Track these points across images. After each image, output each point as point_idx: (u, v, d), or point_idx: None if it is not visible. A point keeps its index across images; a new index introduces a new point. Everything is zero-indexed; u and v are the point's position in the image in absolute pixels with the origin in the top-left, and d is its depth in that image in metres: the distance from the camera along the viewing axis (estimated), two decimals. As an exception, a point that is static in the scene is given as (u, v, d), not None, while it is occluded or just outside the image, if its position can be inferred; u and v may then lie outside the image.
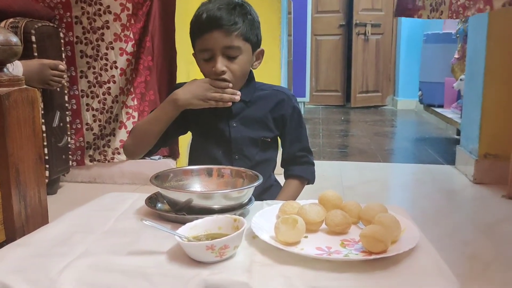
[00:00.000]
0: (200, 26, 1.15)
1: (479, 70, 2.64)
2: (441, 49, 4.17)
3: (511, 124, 2.36)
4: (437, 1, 2.44)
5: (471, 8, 2.16)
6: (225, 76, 1.15)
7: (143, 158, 1.28)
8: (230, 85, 1.16)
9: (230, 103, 1.16)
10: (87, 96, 2.58)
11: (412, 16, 2.77)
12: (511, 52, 2.49)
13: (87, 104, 2.58)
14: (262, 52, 1.27)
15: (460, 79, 3.51)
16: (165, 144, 1.28)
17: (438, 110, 4.04)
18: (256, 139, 1.24)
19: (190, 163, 1.32)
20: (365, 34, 6.02)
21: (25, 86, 1.01)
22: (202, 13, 1.15)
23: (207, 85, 1.15)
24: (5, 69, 1.00)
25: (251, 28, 1.18)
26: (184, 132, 1.32)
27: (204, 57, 1.18)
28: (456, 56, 3.76)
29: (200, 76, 1.31)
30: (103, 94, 2.56)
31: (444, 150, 3.59)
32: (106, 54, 2.51)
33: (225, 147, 1.24)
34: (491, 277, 1.56)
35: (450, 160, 3.13)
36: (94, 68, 2.54)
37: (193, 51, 1.24)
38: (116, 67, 2.51)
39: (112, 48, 2.49)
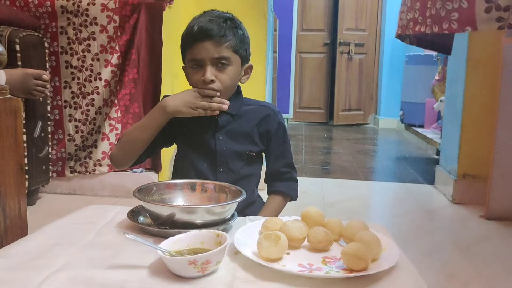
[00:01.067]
0: (192, 37, 1.17)
1: (458, 92, 2.70)
2: (422, 70, 4.25)
3: (489, 145, 2.40)
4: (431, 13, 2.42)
5: (432, 25, 2.12)
6: (214, 86, 1.17)
7: (130, 168, 1.27)
8: (218, 94, 1.17)
9: (218, 112, 1.17)
10: (70, 107, 2.55)
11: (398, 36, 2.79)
12: (490, 75, 2.55)
13: (70, 115, 2.56)
14: (251, 67, 1.29)
15: (440, 100, 3.58)
16: (152, 153, 1.28)
17: (419, 130, 4.10)
18: (242, 153, 1.26)
19: (174, 175, 1.32)
20: (348, 53, 6.10)
21: (9, 95, 1.01)
22: (193, 25, 1.18)
23: (196, 93, 1.17)
24: (-11, 78, 0.99)
25: (240, 42, 1.21)
26: (170, 144, 1.32)
27: (193, 67, 1.19)
28: (437, 77, 3.84)
29: (184, 89, 1.32)
30: (86, 105, 2.54)
31: (424, 169, 3.64)
32: (91, 65, 2.50)
33: (210, 159, 1.25)
34: (468, 296, 1.58)
35: (430, 179, 3.17)
36: (78, 79, 2.52)
37: (182, 64, 1.26)
38: (100, 79, 2.50)
39: (98, 60, 2.49)
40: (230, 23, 1.19)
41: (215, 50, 1.16)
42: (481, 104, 2.62)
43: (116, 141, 2.49)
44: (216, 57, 1.17)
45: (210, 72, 1.16)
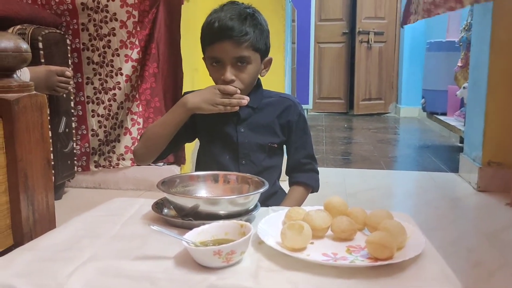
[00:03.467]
0: (211, 35, 1.17)
1: (482, 78, 2.65)
2: (444, 57, 4.18)
3: (514, 132, 2.36)
4: (418, 4, 2.46)
5: (441, 6, 2.16)
6: (234, 85, 1.17)
7: (153, 163, 1.29)
8: (238, 91, 1.18)
9: (237, 108, 1.17)
10: (93, 103, 2.59)
11: (405, 23, 2.80)
12: (515, 60, 2.49)
13: (93, 110, 2.60)
14: (270, 60, 1.29)
15: (463, 87, 3.52)
16: (175, 149, 1.30)
17: (441, 117, 4.03)
18: (264, 145, 1.26)
19: (197, 168, 1.34)
20: (368, 42, 6.03)
21: (34, 92, 1.03)
22: (214, 21, 1.16)
23: (216, 90, 1.17)
24: (15, 75, 1.01)
25: (260, 38, 1.21)
26: (193, 139, 1.34)
27: (213, 64, 1.20)
28: (459, 64, 3.76)
29: (206, 82, 1.33)
30: (109, 100, 2.57)
31: (447, 157, 3.59)
32: (111, 60, 2.52)
33: (232, 152, 1.26)
34: (496, 284, 1.56)
35: (454, 167, 3.12)
36: (100, 74, 2.55)
37: (202, 57, 1.26)
38: (122, 74, 2.53)
39: (118, 55, 2.51)
40: (250, 19, 1.18)
41: (234, 50, 1.16)
42: (505, 90, 2.57)
43: (139, 136, 2.53)
44: (236, 57, 1.17)
45: (229, 73, 1.17)
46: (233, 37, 1.15)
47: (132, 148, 2.57)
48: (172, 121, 1.20)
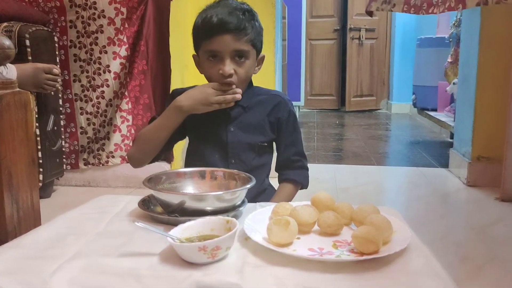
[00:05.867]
0: (210, 29, 1.16)
1: (471, 74, 2.66)
2: (434, 53, 4.19)
3: (503, 126, 2.37)
4: None
5: (440, 6, 2.13)
6: (231, 79, 1.17)
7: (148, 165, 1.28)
8: (234, 86, 1.17)
9: (233, 103, 1.17)
10: (81, 100, 2.57)
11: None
12: (503, 56, 2.50)
13: (81, 108, 2.58)
14: (263, 58, 1.29)
15: (453, 83, 3.53)
16: (169, 149, 1.30)
17: (432, 113, 4.05)
18: (253, 144, 1.26)
19: (186, 166, 1.33)
20: (359, 38, 6.04)
21: (17, 89, 1.01)
22: (211, 16, 1.15)
23: (209, 89, 1.16)
24: (-2, 72, 1.00)
25: (257, 34, 1.21)
26: (184, 137, 1.33)
27: (210, 59, 1.18)
28: (449, 60, 3.78)
29: (196, 79, 1.32)
30: (97, 97, 2.55)
31: (437, 153, 3.61)
32: (99, 58, 2.50)
33: (222, 151, 1.25)
34: (485, 279, 1.57)
35: (444, 163, 3.14)
36: (87, 72, 2.53)
37: (192, 54, 1.25)
38: (110, 71, 2.51)
39: (106, 52, 2.49)
40: (248, 15, 1.19)
41: (234, 43, 1.15)
42: (494, 85, 2.58)
43: (128, 133, 2.52)
44: (235, 50, 1.16)
45: (229, 66, 1.16)
46: (234, 30, 1.14)
47: (121, 145, 2.56)
48: (167, 125, 1.19)
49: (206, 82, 1.26)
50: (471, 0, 1.88)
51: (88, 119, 2.59)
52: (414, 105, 4.52)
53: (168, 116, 1.19)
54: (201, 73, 1.24)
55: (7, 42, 0.97)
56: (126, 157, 1.32)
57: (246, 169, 1.21)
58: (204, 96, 1.15)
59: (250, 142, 1.25)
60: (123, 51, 2.50)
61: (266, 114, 1.27)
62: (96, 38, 2.49)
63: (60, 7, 2.47)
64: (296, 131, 1.33)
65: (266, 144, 1.28)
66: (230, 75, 1.16)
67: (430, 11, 2.20)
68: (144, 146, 1.23)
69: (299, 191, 1.34)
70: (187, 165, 1.33)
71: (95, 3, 2.45)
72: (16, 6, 2.28)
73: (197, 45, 1.23)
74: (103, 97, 2.55)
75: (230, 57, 1.17)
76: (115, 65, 2.51)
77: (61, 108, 2.45)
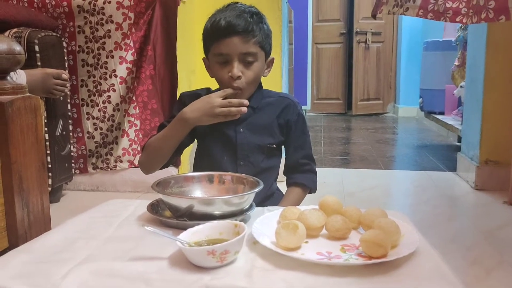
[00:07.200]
0: (219, 32, 1.17)
1: (479, 77, 2.65)
2: (441, 56, 4.18)
3: (511, 130, 2.36)
4: None
5: (471, 16, 2.04)
6: (239, 82, 1.17)
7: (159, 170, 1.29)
8: (240, 93, 1.17)
9: (238, 116, 1.16)
10: (87, 105, 2.59)
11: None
12: (511, 58, 2.49)
13: (87, 113, 2.59)
14: (272, 60, 1.30)
15: (461, 86, 3.52)
16: (178, 154, 1.31)
17: (439, 117, 4.04)
18: (262, 146, 1.26)
19: (195, 169, 1.34)
20: (365, 42, 6.04)
21: (28, 94, 1.03)
22: (220, 19, 1.17)
23: (215, 100, 1.14)
24: (8, 77, 1.01)
25: (266, 37, 1.22)
26: (192, 141, 1.34)
27: (219, 61, 1.20)
28: (456, 63, 3.77)
29: (203, 84, 1.33)
30: (103, 102, 2.57)
31: (445, 156, 3.59)
32: (106, 62, 2.52)
33: (231, 152, 1.26)
34: (494, 282, 1.56)
35: (451, 166, 3.13)
36: (94, 77, 2.55)
37: (199, 60, 1.26)
38: (116, 76, 2.53)
39: (112, 57, 2.51)
40: (256, 18, 1.20)
41: (242, 46, 1.16)
42: (502, 88, 2.57)
43: (136, 138, 2.53)
44: (244, 52, 1.17)
45: (237, 68, 1.17)
46: (241, 32, 1.16)
47: (129, 150, 2.57)
48: (174, 136, 1.20)
49: (214, 86, 1.27)
50: None
51: (94, 124, 2.60)
52: (421, 108, 4.51)
53: (175, 127, 1.20)
54: (211, 76, 1.25)
55: (18, 48, 0.98)
56: (138, 164, 1.34)
57: (255, 171, 1.22)
58: (208, 109, 1.15)
59: (259, 143, 1.26)
60: (129, 56, 2.51)
61: (275, 116, 1.28)
62: (104, 43, 2.50)
63: (68, 13, 2.49)
64: (305, 133, 1.33)
65: (275, 146, 1.29)
66: (239, 77, 1.17)
67: (457, 19, 2.06)
68: (153, 155, 1.24)
69: (307, 195, 1.35)
70: (195, 167, 1.34)
71: (103, 8, 2.46)
72: (26, 12, 2.31)
73: (206, 48, 1.24)
74: (109, 102, 2.57)
75: (239, 60, 1.18)
76: (122, 70, 2.52)
77: (69, 113, 2.47)
